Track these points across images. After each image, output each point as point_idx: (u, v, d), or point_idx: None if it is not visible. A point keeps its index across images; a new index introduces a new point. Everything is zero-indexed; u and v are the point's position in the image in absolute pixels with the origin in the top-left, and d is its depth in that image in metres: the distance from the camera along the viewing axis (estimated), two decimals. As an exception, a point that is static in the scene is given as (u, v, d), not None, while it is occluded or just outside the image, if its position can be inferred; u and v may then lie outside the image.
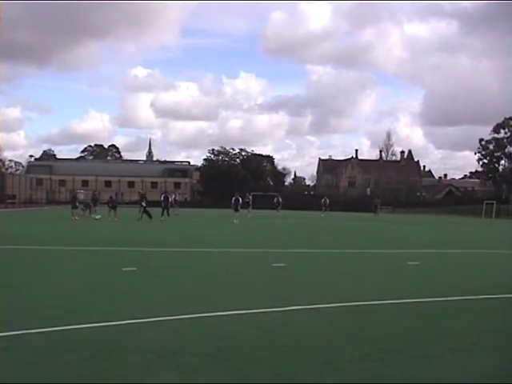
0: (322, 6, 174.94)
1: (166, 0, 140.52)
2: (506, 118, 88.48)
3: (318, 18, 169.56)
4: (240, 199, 36.46)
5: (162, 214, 33.97)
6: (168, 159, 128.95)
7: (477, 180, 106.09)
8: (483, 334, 6.54)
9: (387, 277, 11.43)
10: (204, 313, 7.14)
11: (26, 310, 7.24)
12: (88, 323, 6.41)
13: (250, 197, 47.96)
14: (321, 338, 6.09)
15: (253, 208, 47.27)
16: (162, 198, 35.65)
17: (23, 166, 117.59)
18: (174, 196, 42.40)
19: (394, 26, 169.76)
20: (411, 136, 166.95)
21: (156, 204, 38.44)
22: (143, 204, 33.56)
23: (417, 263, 13.62)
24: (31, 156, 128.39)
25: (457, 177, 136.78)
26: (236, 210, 35.35)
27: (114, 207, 34.85)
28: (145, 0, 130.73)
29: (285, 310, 7.51)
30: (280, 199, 54.60)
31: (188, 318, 6.91)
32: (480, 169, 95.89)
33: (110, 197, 36.58)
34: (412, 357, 5.47)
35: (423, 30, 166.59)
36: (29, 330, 6.04)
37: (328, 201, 54.68)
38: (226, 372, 4.91)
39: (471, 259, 15.89)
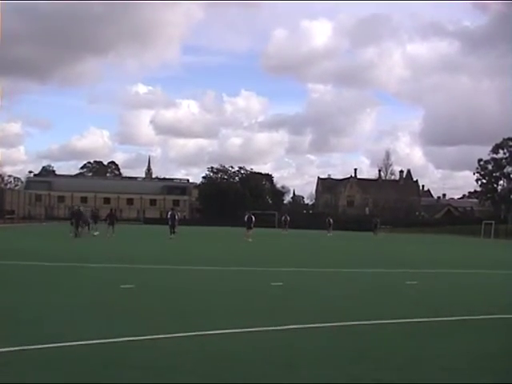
0: (324, 24, 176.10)
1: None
2: (504, 139, 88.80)
3: (319, 36, 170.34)
4: (253, 217, 36.80)
5: (171, 232, 33.40)
6: (167, 176, 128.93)
7: (475, 200, 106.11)
8: (481, 354, 6.52)
9: (385, 296, 11.42)
10: (201, 331, 7.13)
11: (24, 326, 7.24)
12: (85, 340, 6.40)
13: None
14: (318, 358, 6.09)
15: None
16: (169, 216, 35.12)
17: (22, 182, 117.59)
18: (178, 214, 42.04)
19: (395, 44, 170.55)
20: (411, 155, 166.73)
21: (154, 221, 38.37)
22: (79, 220, 32.80)
23: (415, 283, 13.62)
24: (30, 172, 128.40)
25: (456, 197, 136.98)
26: (249, 227, 35.77)
27: (113, 223, 34.66)
28: (145, 10, 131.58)
29: (281, 329, 7.50)
30: (288, 218, 54.69)
31: (185, 335, 6.91)
32: (479, 189, 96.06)
33: (110, 211, 36.62)
34: (410, 377, 5.47)
35: (425, 49, 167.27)
36: (27, 345, 6.04)
37: (332, 220, 54.91)
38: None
39: (469, 279, 15.89)
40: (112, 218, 35.09)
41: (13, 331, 6.87)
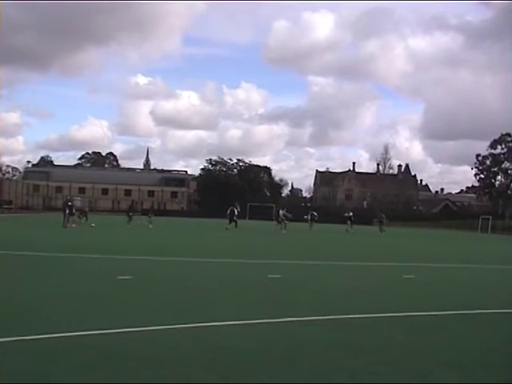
0: (326, 17, 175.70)
1: (168, 0, 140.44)
2: (502, 134, 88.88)
3: (321, 28, 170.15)
4: (280, 211, 40.45)
5: (230, 223, 37.48)
6: (166, 168, 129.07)
7: (473, 195, 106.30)
8: (479, 349, 6.52)
9: (383, 290, 11.41)
10: (199, 323, 7.12)
11: (21, 316, 7.21)
12: (83, 331, 6.38)
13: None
14: (316, 351, 6.07)
15: (249, 219, 47.47)
16: (229, 211, 38.64)
17: (20, 172, 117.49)
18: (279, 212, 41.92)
19: (397, 38, 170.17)
20: (410, 149, 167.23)
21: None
22: (67, 210, 33.27)
23: (412, 277, 13.63)
24: (29, 162, 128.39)
25: (454, 191, 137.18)
26: (278, 221, 39.56)
27: (130, 215, 38.13)
28: (147, 1, 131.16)
29: (279, 322, 7.50)
30: (315, 214, 46.70)
31: (183, 327, 6.89)
32: (477, 184, 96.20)
33: (132, 202, 39.65)
34: (408, 371, 5.46)
35: (427, 43, 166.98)
36: (23, 336, 6.03)
37: (351, 214, 47.80)
38: (220, 382, 4.90)
39: (466, 274, 15.91)
40: (131, 210, 38.85)
41: (9, 321, 6.85)
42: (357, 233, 42.11)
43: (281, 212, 41.61)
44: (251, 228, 43.28)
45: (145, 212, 39.49)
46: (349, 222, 46.39)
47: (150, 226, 36.82)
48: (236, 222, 38.02)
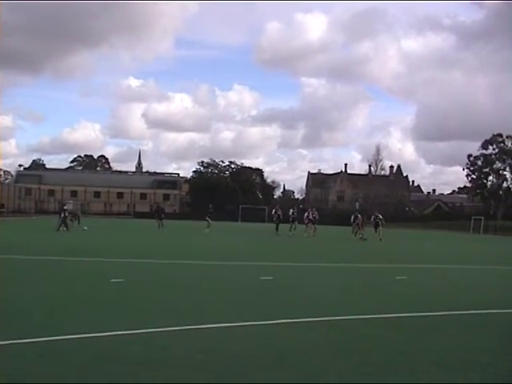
0: (319, 18, 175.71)
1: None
2: (494, 135, 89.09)
3: (314, 29, 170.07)
4: (307, 213, 37.36)
5: (290, 229, 35.92)
6: (158, 171, 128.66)
7: (465, 195, 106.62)
8: (471, 349, 6.57)
9: (375, 291, 11.46)
10: (192, 325, 7.14)
11: (14, 319, 7.21)
12: (75, 334, 6.40)
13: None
14: (308, 352, 6.11)
15: (242, 220, 47.16)
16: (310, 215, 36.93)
17: (12, 176, 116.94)
18: (308, 213, 37.36)
19: (390, 39, 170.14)
20: (403, 150, 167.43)
21: (144, 215, 39.29)
22: (62, 214, 32.89)
23: (404, 278, 13.69)
24: (21, 165, 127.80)
25: (446, 192, 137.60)
26: (312, 222, 36.60)
27: (161, 218, 37.33)
28: (139, 2, 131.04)
29: (272, 324, 7.53)
30: (359, 216, 37.36)
31: (175, 330, 6.92)
32: (468, 184, 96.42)
33: (157, 206, 39.06)
34: (399, 371, 5.50)
35: (420, 44, 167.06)
36: (16, 339, 6.03)
37: (381, 217, 36.09)
38: (213, 383, 4.93)
39: (458, 274, 15.98)
40: (160, 213, 38.04)
41: (2, 325, 6.85)
42: (348, 234, 42.03)
43: (309, 213, 36.84)
44: (244, 230, 43.28)
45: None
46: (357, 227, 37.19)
47: (206, 231, 35.41)
48: (277, 225, 36.78)
